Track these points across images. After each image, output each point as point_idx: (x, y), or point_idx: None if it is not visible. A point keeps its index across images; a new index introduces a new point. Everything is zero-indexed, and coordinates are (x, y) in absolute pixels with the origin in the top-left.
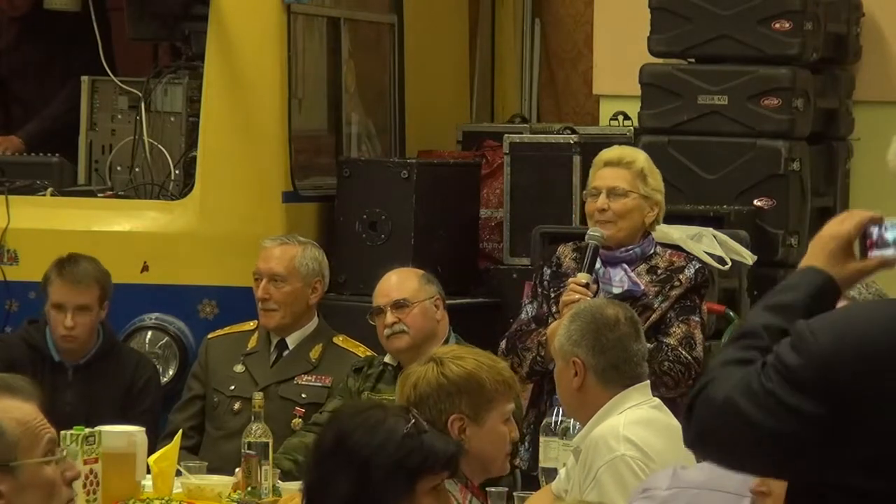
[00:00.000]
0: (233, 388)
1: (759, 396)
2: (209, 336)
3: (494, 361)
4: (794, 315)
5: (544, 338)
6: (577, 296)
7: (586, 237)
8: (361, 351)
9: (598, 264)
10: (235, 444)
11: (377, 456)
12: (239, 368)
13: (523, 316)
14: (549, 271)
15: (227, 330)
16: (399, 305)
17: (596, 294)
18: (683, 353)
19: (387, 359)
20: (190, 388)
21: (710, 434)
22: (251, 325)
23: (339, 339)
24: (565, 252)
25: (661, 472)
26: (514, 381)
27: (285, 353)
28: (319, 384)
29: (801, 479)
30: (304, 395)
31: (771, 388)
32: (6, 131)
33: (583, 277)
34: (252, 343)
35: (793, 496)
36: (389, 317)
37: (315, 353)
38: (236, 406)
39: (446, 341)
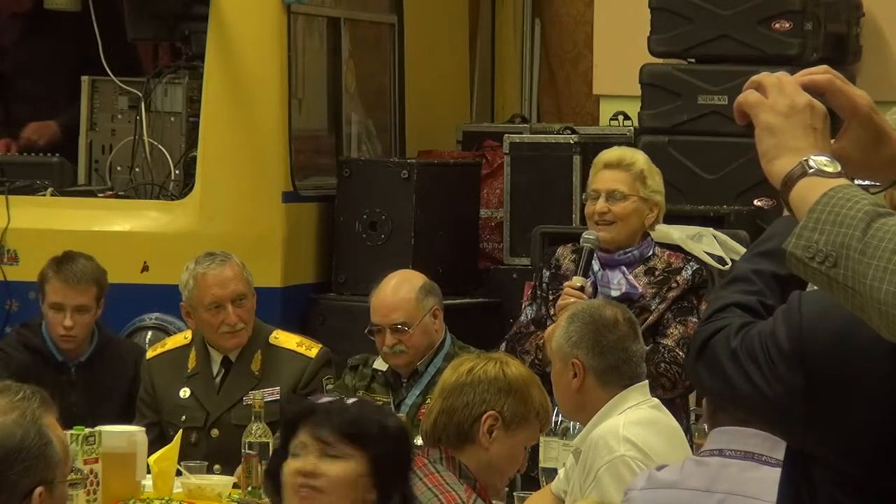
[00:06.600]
0: (184, 418)
1: (759, 361)
2: (148, 357)
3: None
4: (782, 258)
5: (542, 341)
6: (572, 299)
7: (581, 240)
8: (296, 343)
9: (596, 267)
10: None
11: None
12: (185, 393)
13: (523, 318)
14: (548, 273)
15: (163, 347)
16: (398, 330)
17: (593, 297)
18: (680, 354)
19: (377, 364)
20: (143, 416)
21: (718, 375)
22: (186, 336)
23: (275, 337)
24: (564, 254)
25: (641, 474)
26: (549, 422)
27: (230, 369)
28: (269, 398)
29: (790, 443)
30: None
31: (765, 354)
32: (8, 128)
33: (577, 281)
34: (192, 363)
35: (785, 471)
36: (389, 338)
37: (256, 363)
38: (193, 438)
39: (442, 342)
